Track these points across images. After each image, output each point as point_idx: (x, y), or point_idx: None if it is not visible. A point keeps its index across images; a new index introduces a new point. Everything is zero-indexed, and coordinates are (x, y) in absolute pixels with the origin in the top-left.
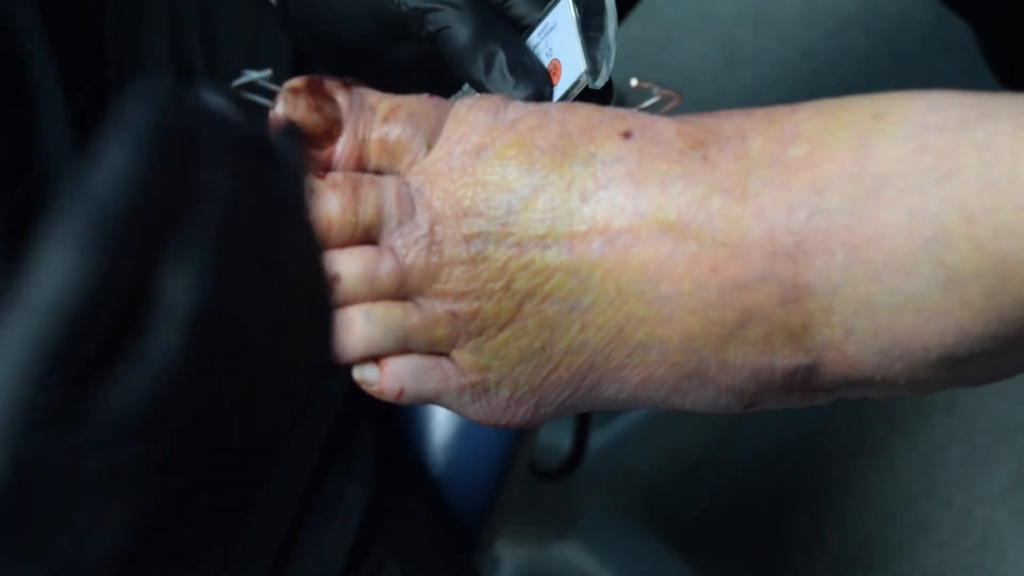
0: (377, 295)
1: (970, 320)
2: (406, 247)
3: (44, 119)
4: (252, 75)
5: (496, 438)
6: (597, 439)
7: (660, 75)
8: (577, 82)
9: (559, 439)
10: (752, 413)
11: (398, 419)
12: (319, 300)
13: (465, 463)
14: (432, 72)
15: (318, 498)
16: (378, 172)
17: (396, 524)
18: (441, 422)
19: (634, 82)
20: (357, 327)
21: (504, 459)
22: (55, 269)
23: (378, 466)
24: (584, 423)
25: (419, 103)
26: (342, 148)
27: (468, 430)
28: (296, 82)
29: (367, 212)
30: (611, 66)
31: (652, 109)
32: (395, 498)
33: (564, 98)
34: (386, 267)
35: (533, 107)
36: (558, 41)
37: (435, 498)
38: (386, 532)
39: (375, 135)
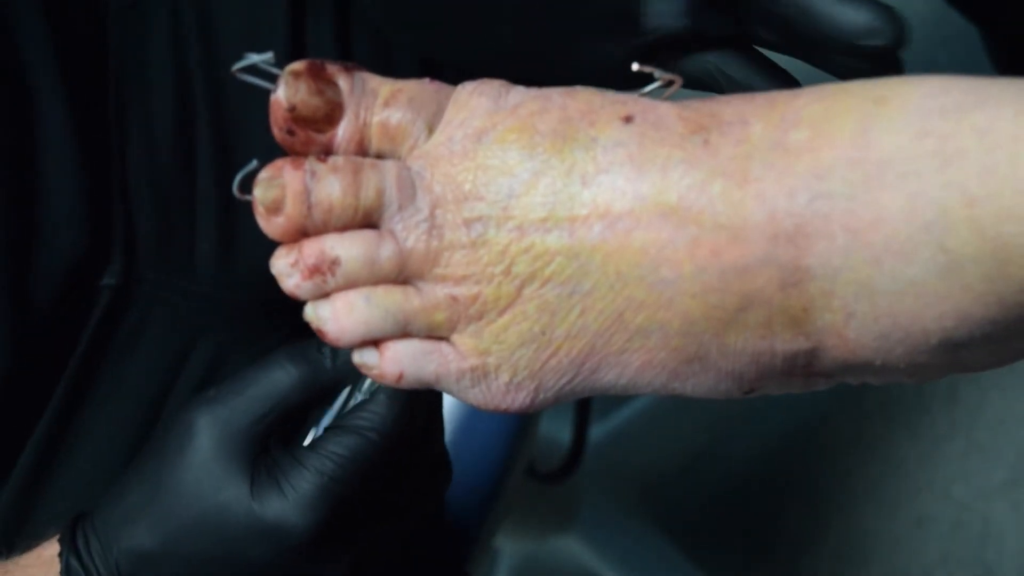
0: (377, 279)
1: (970, 304)
2: (407, 231)
3: (44, 113)
4: (253, 58)
5: (494, 441)
6: (596, 433)
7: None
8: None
9: (558, 433)
10: (752, 406)
11: None
12: None
13: (462, 466)
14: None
15: None
16: (379, 156)
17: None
18: None
19: (635, 67)
20: (357, 310)
21: (501, 462)
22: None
23: None
24: (583, 422)
25: (420, 87)
26: (343, 132)
27: (466, 433)
28: (298, 65)
29: (368, 196)
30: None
31: (653, 94)
32: None
33: None
34: (386, 251)
35: (534, 92)
36: None
37: None
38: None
39: (376, 119)
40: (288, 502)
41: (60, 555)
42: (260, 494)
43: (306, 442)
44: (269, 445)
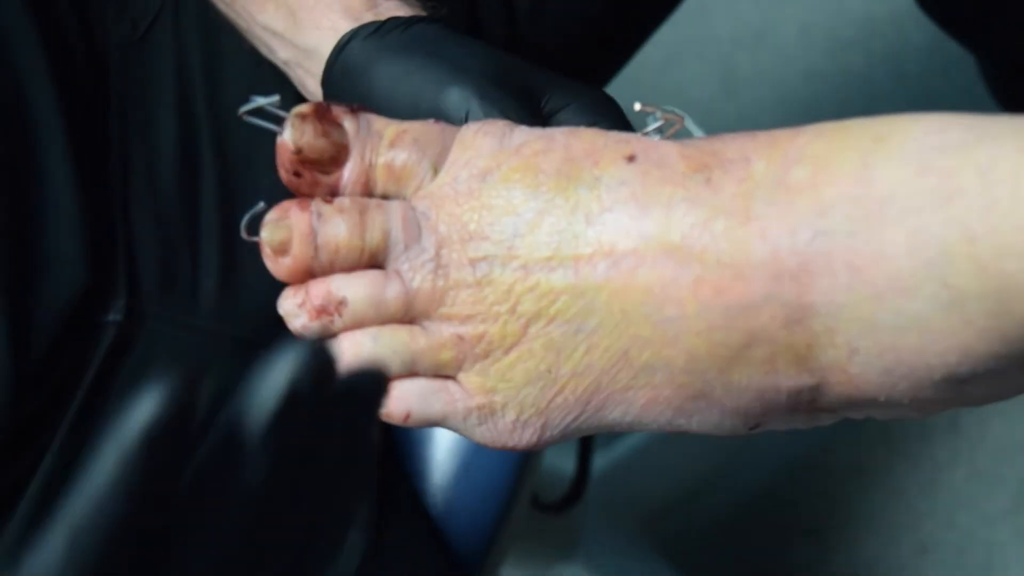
0: (384, 319)
1: (973, 340)
2: (412, 271)
3: (45, 148)
4: (260, 101)
5: (496, 477)
6: (600, 462)
7: (660, 98)
8: None
9: (562, 464)
10: (754, 435)
11: (397, 460)
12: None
13: (465, 503)
14: None
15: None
16: (385, 197)
17: (394, 570)
18: (440, 463)
19: (637, 106)
20: (364, 350)
21: (504, 498)
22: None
23: (378, 512)
24: (586, 453)
25: (425, 128)
26: (349, 173)
27: (468, 470)
28: (303, 108)
29: (374, 236)
30: None
31: (656, 133)
32: (394, 542)
33: None
34: (393, 291)
35: (538, 132)
36: None
37: (435, 538)
38: None
39: (381, 160)
40: None
41: None
42: None
43: None
44: None
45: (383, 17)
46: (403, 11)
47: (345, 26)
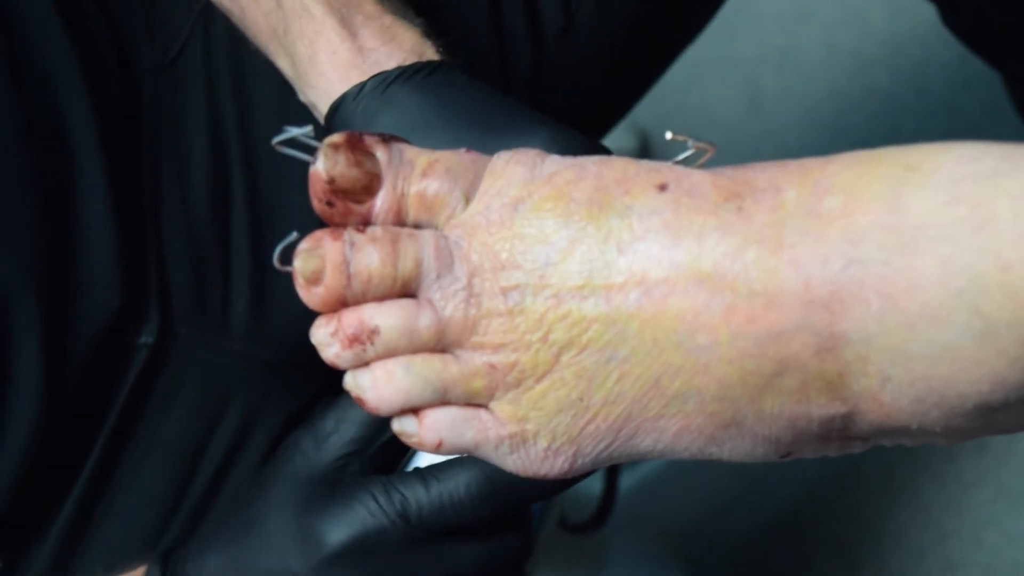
0: (416, 347)
1: (1005, 368)
2: (445, 300)
3: (82, 171)
4: (293, 131)
5: None
6: (626, 482)
7: (685, 118)
8: None
9: (589, 484)
10: None
11: None
12: None
13: None
14: None
15: None
16: (417, 226)
17: None
18: None
19: (669, 135)
20: (396, 379)
21: (535, 515)
22: None
23: None
24: (613, 473)
25: (457, 158)
26: (381, 202)
27: None
28: (336, 138)
29: (406, 265)
30: None
31: (687, 162)
32: None
33: None
34: (425, 320)
35: (570, 161)
36: None
37: None
38: None
39: (414, 189)
40: (323, 518)
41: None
42: (306, 509)
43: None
44: (345, 473)
45: (369, 74)
46: (392, 61)
47: (339, 87)
